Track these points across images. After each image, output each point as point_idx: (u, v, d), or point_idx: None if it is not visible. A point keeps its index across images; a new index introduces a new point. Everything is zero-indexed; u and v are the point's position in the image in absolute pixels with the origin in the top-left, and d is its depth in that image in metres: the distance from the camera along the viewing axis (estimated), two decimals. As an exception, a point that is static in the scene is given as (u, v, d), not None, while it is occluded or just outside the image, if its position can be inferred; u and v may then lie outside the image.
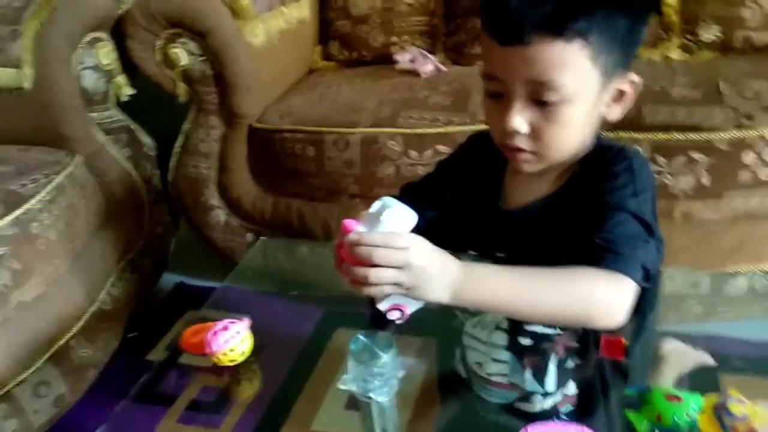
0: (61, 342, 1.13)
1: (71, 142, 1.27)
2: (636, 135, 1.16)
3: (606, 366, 0.77)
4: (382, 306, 0.61)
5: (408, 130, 1.24)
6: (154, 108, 1.42)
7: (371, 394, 0.64)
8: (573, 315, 0.63)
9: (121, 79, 1.34)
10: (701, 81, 1.22)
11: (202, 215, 1.46)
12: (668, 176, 1.17)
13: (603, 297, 0.63)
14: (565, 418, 0.70)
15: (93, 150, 1.31)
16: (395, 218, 0.60)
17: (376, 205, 0.62)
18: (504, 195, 0.79)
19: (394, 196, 0.65)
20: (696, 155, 1.15)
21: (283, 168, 1.34)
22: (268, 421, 0.90)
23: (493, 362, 0.78)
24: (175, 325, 1.37)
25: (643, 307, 0.67)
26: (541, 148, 0.68)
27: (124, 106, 1.39)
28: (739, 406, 0.59)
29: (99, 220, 1.30)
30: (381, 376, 0.63)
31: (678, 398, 0.61)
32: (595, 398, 0.77)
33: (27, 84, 1.21)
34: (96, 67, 1.30)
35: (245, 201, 1.42)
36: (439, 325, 0.83)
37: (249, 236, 1.46)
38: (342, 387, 0.65)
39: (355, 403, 0.69)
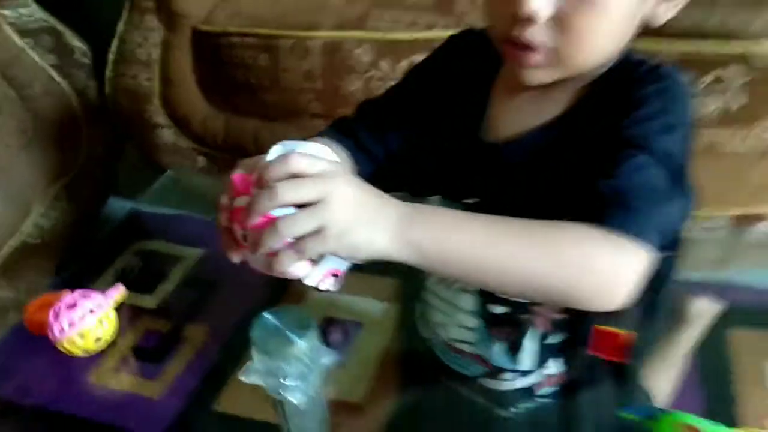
0: (-30, 283, 0.98)
1: (-24, 46, 1.06)
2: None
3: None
4: (310, 279, 0.45)
5: (379, 35, 1.01)
6: (84, 5, 1.20)
7: (283, 393, 0.47)
8: (554, 287, 0.45)
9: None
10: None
11: (146, 135, 1.27)
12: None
13: (601, 266, 0.45)
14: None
15: (7, 56, 1.10)
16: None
17: (275, 151, 0.46)
18: (488, 121, 0.59)
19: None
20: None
21: (234, 81, 1.13)
22: (214, 371, 0.79)
23: (457, 328, 0.63)
24: (119, 258, 1.19)
25: (655, 284, 0.49)
26: (564, 45, 0.49)
27: (45, 3, 1.17)
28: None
29: (20, 141, 1.11)
30: (296, 370, 0.47)
31: (695, 430, 0.44)
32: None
33: None
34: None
35: (194, 120, 1.22)
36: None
37: (201, 160, 1.28)
38: (245, 380, 0.49)
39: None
